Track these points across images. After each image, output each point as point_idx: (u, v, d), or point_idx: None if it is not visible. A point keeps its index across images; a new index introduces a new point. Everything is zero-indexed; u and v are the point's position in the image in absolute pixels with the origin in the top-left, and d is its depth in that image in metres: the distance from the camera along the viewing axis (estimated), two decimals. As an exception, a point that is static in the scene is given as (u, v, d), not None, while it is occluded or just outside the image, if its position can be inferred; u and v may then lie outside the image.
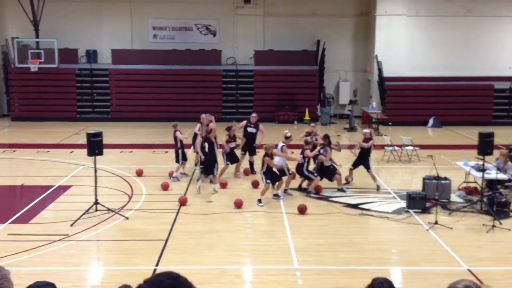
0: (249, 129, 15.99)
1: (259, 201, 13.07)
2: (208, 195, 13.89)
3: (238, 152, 15.78)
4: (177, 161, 15.39)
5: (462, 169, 14.50)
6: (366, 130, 15.21)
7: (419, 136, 21.81)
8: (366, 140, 14.55)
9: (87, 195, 13.04)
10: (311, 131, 15.50)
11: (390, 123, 26.09)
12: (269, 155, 13.20)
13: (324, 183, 14.55)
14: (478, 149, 12.59)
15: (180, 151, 15.27)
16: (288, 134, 14.24)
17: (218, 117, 16.79)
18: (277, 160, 13.57)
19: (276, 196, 13.55)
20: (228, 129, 15.43)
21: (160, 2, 28.34)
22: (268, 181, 13.22)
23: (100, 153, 12.01)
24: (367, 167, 14.44)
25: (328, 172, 14.23)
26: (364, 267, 9.36)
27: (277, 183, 13.56)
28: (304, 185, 14.48)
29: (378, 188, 14.38)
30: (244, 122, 16.20)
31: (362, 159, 14.61)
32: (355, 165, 14.85)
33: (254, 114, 16.31)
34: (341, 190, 14.12)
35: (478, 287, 2.85)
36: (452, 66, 27.44)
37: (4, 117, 28.51)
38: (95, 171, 12.04)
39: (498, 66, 27.48)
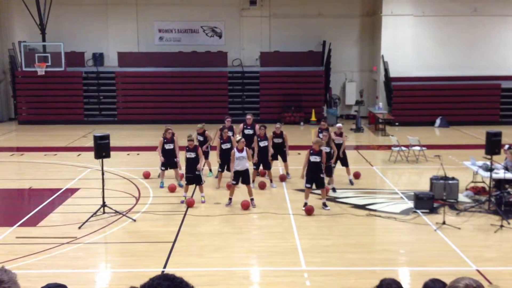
0: (246, 131, 15.71)
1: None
2: (215, 197, 13.90)
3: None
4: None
5: (469, 169, 14.45)
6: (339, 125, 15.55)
7: (426, 136, 21.74)
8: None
9: (94, 198, 13.10)
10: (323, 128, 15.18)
11: (396, 123, 26.02)
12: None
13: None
14: (485, 149, 12.56)
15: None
16: (237, 138, 13.58)
17: (223, 118, 16.64)
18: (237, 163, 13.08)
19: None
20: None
21: (166, 4, 28.41)
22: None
23: (107, 156, 12.05)
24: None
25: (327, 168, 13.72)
26: (371, 268, 9.34)
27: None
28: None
29: (351, 182, 14.91)
30: (241, 125, 16.06)
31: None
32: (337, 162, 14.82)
33: (248, 116, 16.12)
34: (324, 205, 12.93)
35: (479, 285, 2.80)
36: (459, 65, 27.33)
37: (11, 120, 28.66)
38: (103, 174, 12.10)
39: (505, 65, 27.36)
